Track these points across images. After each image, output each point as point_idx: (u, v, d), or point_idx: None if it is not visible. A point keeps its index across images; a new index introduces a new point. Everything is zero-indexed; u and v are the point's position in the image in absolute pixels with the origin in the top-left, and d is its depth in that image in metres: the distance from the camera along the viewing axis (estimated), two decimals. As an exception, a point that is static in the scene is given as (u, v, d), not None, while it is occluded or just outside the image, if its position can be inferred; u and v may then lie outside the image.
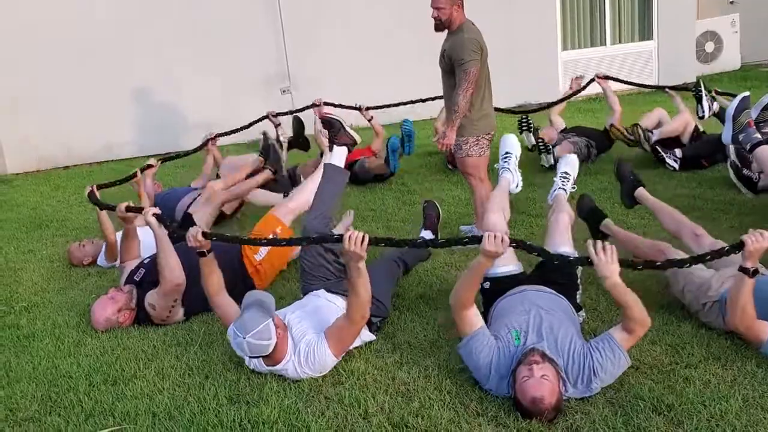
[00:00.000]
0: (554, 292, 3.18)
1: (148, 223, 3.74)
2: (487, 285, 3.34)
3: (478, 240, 2.91)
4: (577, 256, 3.29)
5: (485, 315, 3.28)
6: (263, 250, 4.16)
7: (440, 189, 6.15)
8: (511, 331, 2.88)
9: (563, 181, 4.04)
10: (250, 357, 3.06)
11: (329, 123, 4.15)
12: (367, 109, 6.58)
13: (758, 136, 3.76)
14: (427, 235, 4.25)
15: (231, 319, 3.14)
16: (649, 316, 2.77)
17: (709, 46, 11.52)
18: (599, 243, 2.81)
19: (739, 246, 2.82)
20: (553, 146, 6.17)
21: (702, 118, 5.75)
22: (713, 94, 5.81)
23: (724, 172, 5.40)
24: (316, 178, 4.48)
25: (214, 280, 3.34)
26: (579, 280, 3.38)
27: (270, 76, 9.48)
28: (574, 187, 4.12)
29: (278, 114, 6.37)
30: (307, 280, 3.55)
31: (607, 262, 2.74)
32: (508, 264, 3.38)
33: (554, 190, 4.03)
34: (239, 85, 9.32)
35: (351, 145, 4.05)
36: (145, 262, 4.00)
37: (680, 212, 3.75)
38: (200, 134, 6.44)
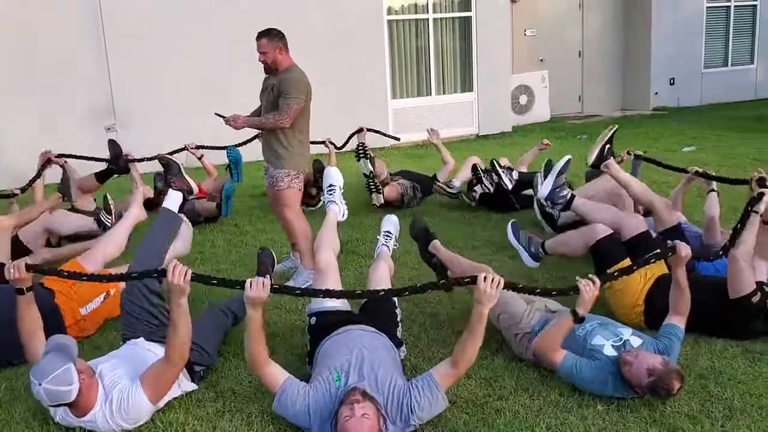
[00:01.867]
0: (377, 331, 3.26)
1: None
2: (313, 321, 3.37)
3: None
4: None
5: (311, 355, 3.30)
6: (92, 303, 3.89)
7: (273, 230, 6.11)
8: (333, 372, 2.91)
9: (386, 239, 4.32)
10: (52, 406, 2.82)
11: (167, 165, 4.03)
12: (197, 147, 6.39)
13: (568, 192, 4.35)
14: None
15: None
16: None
17: (523, 99, 12.59)
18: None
19: (575, 289, 3.10)
20: (382, 187, 6.44)
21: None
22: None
23: (532, 214, 5.88)
24: (125, 224, 4.33)
25: (32, 317, 3.10)
26: (399, 318, 3.52)
27: (94, 111, 9.02)
28: (396, 244, 4.38)
29: (134, 159, 5.77)
30: (128, 325, 3.36)
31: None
32: (333, 300, 3.42)
33: (378, 247, 4.28)
34: (59, 119, 8.78)
35: (188, 192, 3.96)
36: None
37: (474, 262, 3.96)
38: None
